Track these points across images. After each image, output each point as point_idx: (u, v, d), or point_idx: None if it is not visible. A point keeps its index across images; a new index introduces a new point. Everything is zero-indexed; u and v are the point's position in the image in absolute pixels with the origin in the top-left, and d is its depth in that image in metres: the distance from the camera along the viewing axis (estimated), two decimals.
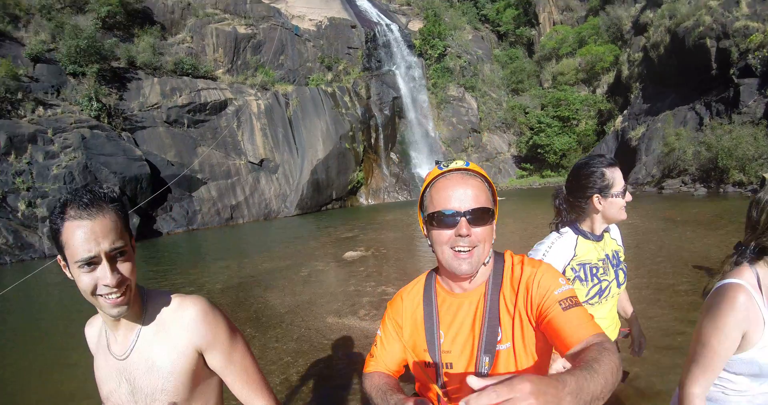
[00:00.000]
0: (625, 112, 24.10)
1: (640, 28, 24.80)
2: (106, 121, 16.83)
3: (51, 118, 15.64)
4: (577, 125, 26.46)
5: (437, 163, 1.32)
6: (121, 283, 1.19)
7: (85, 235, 1.13)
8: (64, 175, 14.43)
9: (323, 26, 24.35)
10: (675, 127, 18.97)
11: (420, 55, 27.27)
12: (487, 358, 1.30)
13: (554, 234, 2.23)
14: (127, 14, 20.17)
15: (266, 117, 20.53)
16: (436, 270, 1.44)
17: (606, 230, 2.23)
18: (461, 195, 1.23)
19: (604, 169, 2.06)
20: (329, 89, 22.58)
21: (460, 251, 1.24)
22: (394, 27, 26.94)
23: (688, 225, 10.20)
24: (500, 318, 1.31)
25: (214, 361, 1.34)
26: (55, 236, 1.15)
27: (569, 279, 2.12)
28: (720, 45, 17.96)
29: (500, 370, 1.30)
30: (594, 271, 2.16)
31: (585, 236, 2.18)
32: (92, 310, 1.34)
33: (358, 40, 25.01)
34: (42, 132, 14.92)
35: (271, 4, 23.61)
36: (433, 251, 1.32)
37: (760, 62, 16.51)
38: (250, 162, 19.80)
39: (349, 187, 21.91)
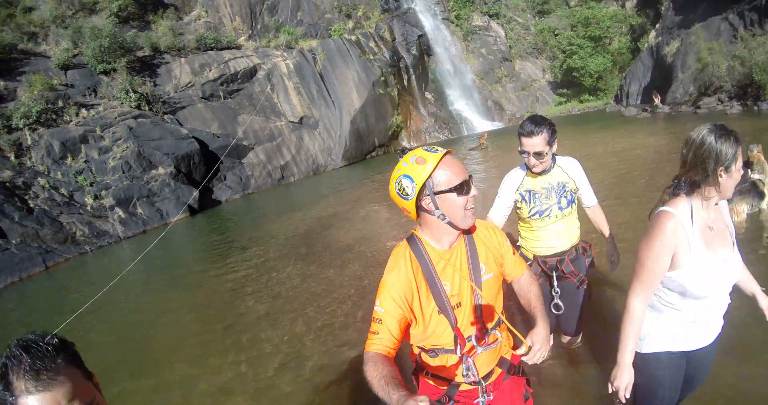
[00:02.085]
0: (657, 25, 22.28)
1: None
2: (147, 108, 17.19)
3: (96, 117, 16.14)
4: (610, 44, 24.78)
5: (403, 150, 1.42)
6: None
7: None
8: (121, 165, 15.11)
9: None
10: (708, 40, 17.28)
11: None
12: (480, 289, 1.67)
13: (512, 170, 2.96)
14: (138, 4, 20.20)
15: (297, 75, 20.32)
16: (409, 240, 1.72)
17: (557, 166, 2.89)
18: (464, 168, 1.60)
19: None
20: (353, 37, 21.93)
21: (471, 208, 1.60)
22: None
23: None
24: (479, 256, 1.71)
25: None
26: None
27: (517, 200, 2.91)
28: None
29: (485, 295, 1.69)
30: (537, 196, 2.84)
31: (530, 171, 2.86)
32: None
33: None
34: (91, 131, 15.49)
35: None
36: (445, 219, 1.60)
37: None
38: (290, 121, 19.76)
39: (390, 132, 21.56)
